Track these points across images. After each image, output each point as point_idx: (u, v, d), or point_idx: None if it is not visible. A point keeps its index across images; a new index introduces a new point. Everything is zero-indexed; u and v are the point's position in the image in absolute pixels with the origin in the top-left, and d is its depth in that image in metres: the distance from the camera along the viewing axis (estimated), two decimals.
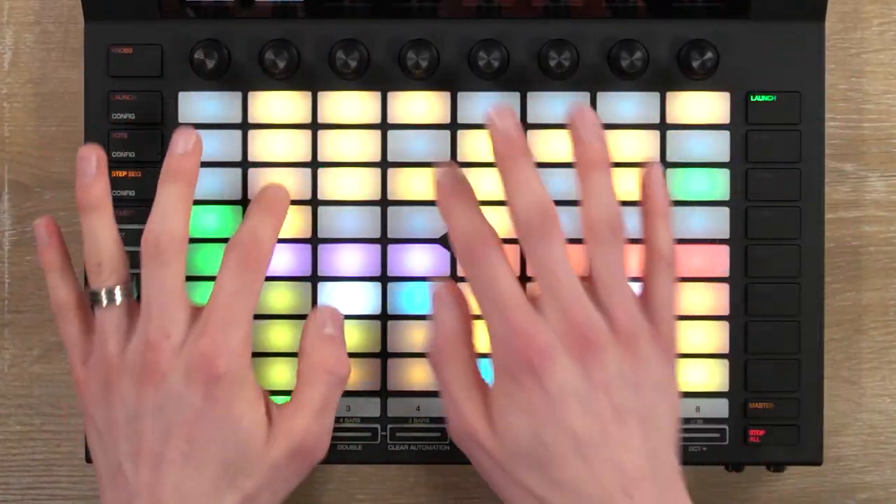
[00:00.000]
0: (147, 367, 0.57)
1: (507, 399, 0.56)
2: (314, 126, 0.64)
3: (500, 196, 0.64)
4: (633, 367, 0.56)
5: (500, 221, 0.64)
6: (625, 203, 0.64)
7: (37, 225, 0.61)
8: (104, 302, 0.59)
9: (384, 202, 0.64)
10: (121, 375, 0.58)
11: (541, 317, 0.56)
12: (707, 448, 0.64)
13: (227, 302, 0.58)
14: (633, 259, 0.64)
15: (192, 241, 0.64)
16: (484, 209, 0.64)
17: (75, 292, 0.61)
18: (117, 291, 0.59)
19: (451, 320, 0.59)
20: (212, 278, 0.64)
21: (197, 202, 0.64)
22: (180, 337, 0.58)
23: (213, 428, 0.57)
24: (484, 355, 0.59)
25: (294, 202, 0.64)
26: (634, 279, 0.64)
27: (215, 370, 0.57)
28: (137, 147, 0.64)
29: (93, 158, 0.60)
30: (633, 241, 0.64)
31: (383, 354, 0.64)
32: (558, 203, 0.64)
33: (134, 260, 0.60)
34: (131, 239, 0.64)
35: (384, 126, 0.64)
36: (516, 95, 0.64)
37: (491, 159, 0.64)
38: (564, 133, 0.64)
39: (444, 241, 0.64)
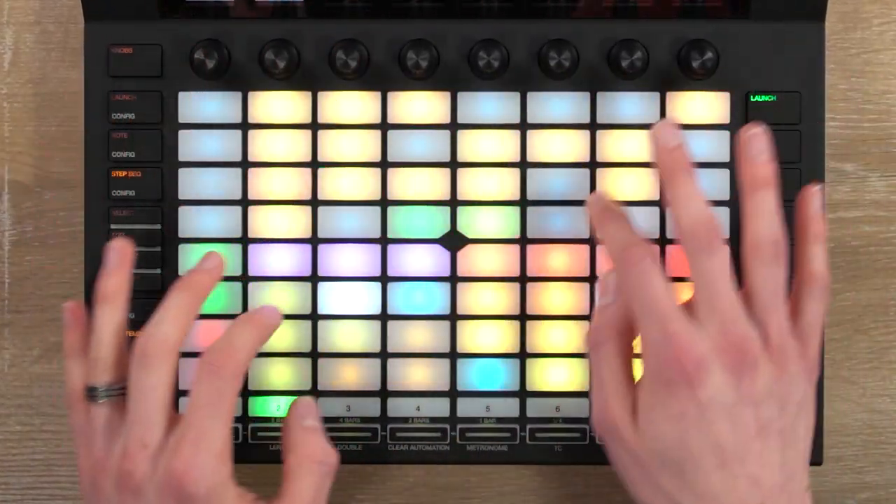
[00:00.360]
0: (124, 477, 0.57)
1: (656, 402, 0.57)
2: (314, 126, 0.64)
3: (501, 196, 0.64)
4: (780, 384, 0.57)
5: (497, 222, 0.64)
6: (629, 203, 0.64)
7: (65, 308, 0.62)
8: (97, 398, 0.59)
9: (384, 202, 0.64)
10: (105, 477, 0.58)
11: (697, 327, 0.57)
12: None
13: (201, 416, 0.57)
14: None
15: (191, 240, 0.64)
16: (485, 209, 0.64)
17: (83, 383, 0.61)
18: (109, 389, 0.59)
19: (618, 311, 0.59)
20: None
21: (196, 202, 0.64)
22: (157, 447, 0.57)
23: None
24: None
25: (294, 202, 0.64)
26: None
27: (187, 491, 0.55)
28: (137, 147, 0.64)
29: (116, 252, 0.60)
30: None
31: (383, 354, 0.64)
32: (558, 203, 0.64)
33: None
34: (132, 238, 0.64)
35: (384, 126, 0.64)
36: (516, 95, 0.64)
37: (490, 159, 0.64)
38: (564, 133, 0.64)
39: (443, 241, 0.64)
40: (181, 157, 0.64)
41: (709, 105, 0.64)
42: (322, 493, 0.60)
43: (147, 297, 0.64)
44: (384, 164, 0.64)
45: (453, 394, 0.64)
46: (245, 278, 0.64)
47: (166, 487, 0.56)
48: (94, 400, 0.59)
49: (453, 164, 0.64)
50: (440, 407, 0.64)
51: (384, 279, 0.64)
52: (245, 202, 0.64)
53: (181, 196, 0.64)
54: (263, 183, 0.64)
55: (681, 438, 0.56)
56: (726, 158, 0.64)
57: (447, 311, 0.64)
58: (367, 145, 0.64)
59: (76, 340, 0.61)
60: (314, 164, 0.64)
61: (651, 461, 0.57)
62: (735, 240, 0.64)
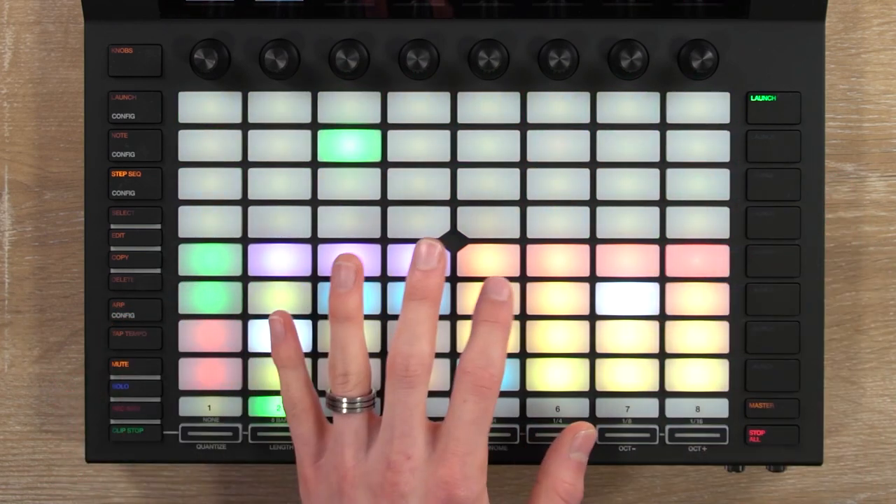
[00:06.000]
0: (386, 486, 0.59)
1: None
2: (314, 126, 0.64)
3: (501, 196, 0.64)
4: None
5: (497, 222, 0.64)
6: (625, 203, 0.64)
7: (273, 320, 0.62)
8: (344, 410, 0.60)
9: (384, 202, 0.64)
10: (356, 487, 0.60)
11: None
12: (707, 448, 0.64)
13: (466, 430, 0.59)
14: (630, 258, 0.64)
15: (191, 240, 0.64)
16: (483, 209, 0.64)
17: (310, 393, 0.62)
18: (360, 402, 0.61)
19: None
20: (209, 279, 0.64)
21: (196, 202, 0.64)
22: (420, 459, 0.59)
23: None
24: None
25: (294, 202, 0.64)
26: (637, 279, 0.64)
27: (454, 498, 0.59)
28: (137, 147, 0.64)
29: (352, 268, 0.61)
30: (632, 241, 0.64)
31: (384, 354, 0.64)
32: (556, 203, 0.64)
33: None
34: (132, 238, 0.64)
35: (384, 126, 0.64)
36: (516, 95, 0.64)
37: (490, 159, 0.64)
38: (564, 133, 0.64)
39: (443, 241, 0.64)
40: (181, 157, 0.64)
41: (709, 105, 0.64)
42: None
43: (147, 296, 0.64)
44: (384, 165, 0.64)
45: None
46: (245, 278, 0.64)
47: (433, 496, 0.59)
48: (339, 411, 0.60)
49: (453, 164, 0.64)
50: (441, 407, 0.64)
51: (384, 279, 0.64)
52: (245, 202, 0.64)
53: (181, 196, 0.64)
54: (263, 183, 0.64)
55: None
56: (726, 158, 0.64)
57: (447, 311, 0.64)
58: (367, 145, 0.64)
59: (291, 351, 0.62)
60: (314, 164, 0.64)
61: None
62: (735, 240, 0.64)
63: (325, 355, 0.64)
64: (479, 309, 0.61)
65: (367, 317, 0.64)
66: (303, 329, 0.64)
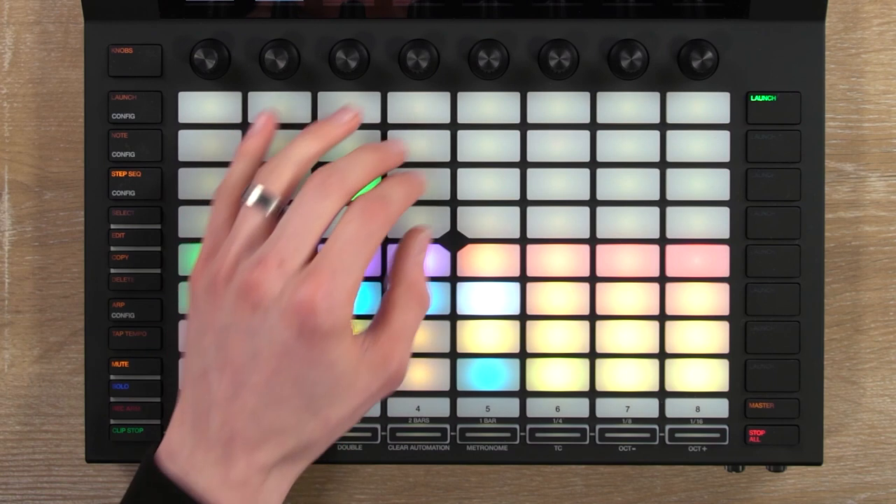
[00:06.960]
0: (249, 286, 0.56)
1: None
2: None
3: (501, 196, 0.64)
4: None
5: (497, 222, 0.64)
6: (625, 203, 0.64)
7: (259, 116, 0.61)
8: (252, 198, 0.58)
9: None
10: (227, 283, 0.57)
11: None
12: (707, 448, 0.64)
13: (345, 251, 0.56)
14: (630, 258, 0.64)
15: (191, 240, 0.64)
16: (483, 209, 0.64)
17: (246, 186, 0.59)
18: (272, 200, 0.58)
19: None
20: None
21: (197, 202, 0.64)
22: (292, 268, 0.56)
23: (303, 368, 0.55)
24: None
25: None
26: (637, 279, 0.64)
27: (312, 321, 0.55)
28: (137, 147, 0.64)
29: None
30: (632, 241, 0.64)
31: None
32: (556, 203, 0.64)
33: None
34: (132, 238, 0.64)
35: (384, 126, 0.64)
36: (516, 95, 0.64)
37: (490, 159, 0.64)
38: (564, 133, 0.64)
39: (443, 241, 0.64)
40: (181, 157, 0.64)
41: (709, 105, 0.64)
42: (417, 329, 0.60)
43: (147, 296, 0.64)
44: None
45: (453, 394, 0.64)
46: None
47: (291, 313, 0.55)
48: (263, 204, 0.57)
49: (453, 164, 0.64)
50: (440, 407, 0.64)
51: (384, 279, 0.64)
52: None
53: (181, 196, 0.64)
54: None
55: None
56: (726, 158, 0.64)
57: (447, 311, 0.64)
58: None
59: (258, 146, 0.60)
60: (314, 164, 0.64)
61: None
62: (735, 240, 0.64)
63: None
64: (400, 174, 0.60)
65: (367, 317, 0.64)
66: None
